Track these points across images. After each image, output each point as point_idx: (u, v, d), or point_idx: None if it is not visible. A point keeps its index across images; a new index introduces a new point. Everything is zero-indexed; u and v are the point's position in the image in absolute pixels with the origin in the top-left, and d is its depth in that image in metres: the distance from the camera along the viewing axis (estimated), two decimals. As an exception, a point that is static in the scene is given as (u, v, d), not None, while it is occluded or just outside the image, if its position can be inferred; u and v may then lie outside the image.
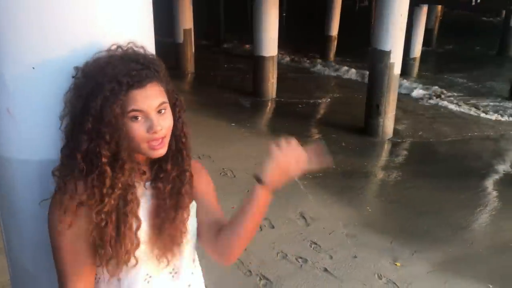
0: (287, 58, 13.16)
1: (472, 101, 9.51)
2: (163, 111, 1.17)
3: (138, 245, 1.20)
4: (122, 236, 1.17)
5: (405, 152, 6.78)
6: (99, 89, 1.10)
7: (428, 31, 13.13)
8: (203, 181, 1.38)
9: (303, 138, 6.87)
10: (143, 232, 1.22)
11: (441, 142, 7.21)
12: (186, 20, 11.16)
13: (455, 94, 10.17)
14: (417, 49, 11.52)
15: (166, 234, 1.24)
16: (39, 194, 1.26)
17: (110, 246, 1.16)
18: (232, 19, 16.31)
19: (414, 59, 11.59)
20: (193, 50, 11.60)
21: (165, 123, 1.17)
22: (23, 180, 1.30)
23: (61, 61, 1.19)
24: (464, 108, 9.07)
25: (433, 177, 5.67)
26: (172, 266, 1.29)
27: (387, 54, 6.80)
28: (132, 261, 1.20)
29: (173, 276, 1.30)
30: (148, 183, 1.27)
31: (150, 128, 1.14)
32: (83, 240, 1.16)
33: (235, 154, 5.94)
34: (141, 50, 1.20)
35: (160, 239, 1.24)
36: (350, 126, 7.44)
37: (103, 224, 1.15)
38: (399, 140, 7.10)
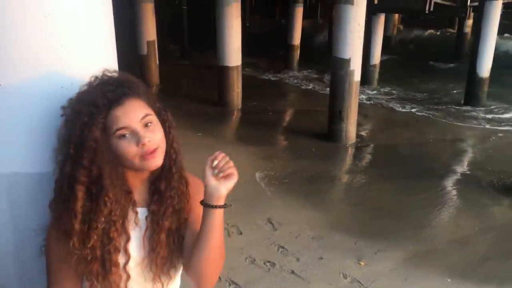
0: (251, 68, 13.34)
1: (431, 106, 9.92)
2: (149, 124, 1.18)
3: (128, 278, 1.21)
4: (108, 273, 1.17)
5: (368, 156, 7.00)
6: (78, 116, 1.13)
7: (387, 39, 13.60)
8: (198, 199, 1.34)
9: (270, 146, 7.00)
10: (135, 258, 1.23)
11: (402, 145, 7.49)
12: (149, 31, 11.15)
13: (415, 98, 10.59)
14: (376, 56, 11.91)
15: (161, 257, 1.24)
16: (8, 207, 1.30)
17: (98, 282, 1.17)
18: (196, 30, 16.38)
19: (374, 66, 11.97)
20: (157, 62, 11.59)
21: (153, 135, 1.17)
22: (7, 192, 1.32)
23: (23, 84, 1.23)
24: (423, 112, 9.45)
25: (394, 179, 5.88)
26: None
27: (347, 61, 7.02)
28: None
29: None
30: (145, 209, 1.26)
31: (139, 141, 1.14)
32: (70, 266, 1.16)
33: (202, 162, 5.98)
34: (115, 74, 1.24)
35: (155, 263, 1.24)
36: (314, 132, 7.63)
37: (88, 258, 1.15)
38: (361, 145, 7.33)
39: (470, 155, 7.22)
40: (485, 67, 9.79)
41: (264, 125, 8.14)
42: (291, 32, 14.03)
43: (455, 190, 5.63)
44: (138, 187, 1.26)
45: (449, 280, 3.70)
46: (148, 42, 11.21)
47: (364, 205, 5.14)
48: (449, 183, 5.89)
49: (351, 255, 3.98)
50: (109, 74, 1.22)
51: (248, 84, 9.97)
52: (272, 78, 12.62)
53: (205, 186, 1.20)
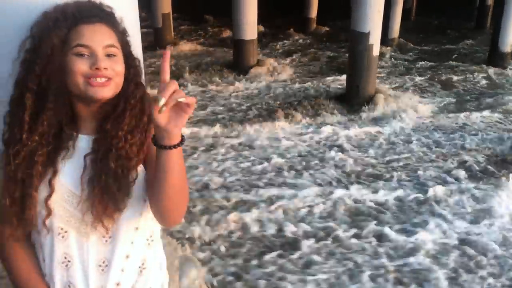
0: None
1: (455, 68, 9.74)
2: (112, 56, 1.11)
3: (50, 213, 1.14)
4: (24, 200, 1.11)
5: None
6: (44, 21, 1.09)
7: (406, 11, 13.29)
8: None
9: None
10: (71, 195, 1.16)
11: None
12: (164, 4, 11.02)
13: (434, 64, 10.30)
14: (395, 30, 11.66)
15: (99, 200, 1.13)
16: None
17: (11, 207, 1.11)
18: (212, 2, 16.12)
19: (392, 39, 11.73)
20: (173, 35, 11.50)
21: (113, 65, 1.10)
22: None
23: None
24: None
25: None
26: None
27: (365, 35, 6.89)
28: (42, 230, 1.16)
29: (106, 241, 1.20)
30: (87, 138, 1.18)
31: (93, 64, 1.07)
32: None
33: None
34: (97, 1, 1.17)
35: (94, 206, 1.13)
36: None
37: (9, 176, 1.10)
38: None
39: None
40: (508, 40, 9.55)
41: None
42: (307, 4, 13.76)
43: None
44: (85, 118, 1.18)
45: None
46: (164, 15, 11.10)
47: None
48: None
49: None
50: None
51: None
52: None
53: (154, 126, 1.05)
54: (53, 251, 1.19)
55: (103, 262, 1.21)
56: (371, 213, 4.26)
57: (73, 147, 1.17)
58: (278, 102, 7.51)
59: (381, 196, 4.54)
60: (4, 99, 1.16)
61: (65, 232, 1.17)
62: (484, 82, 8.97)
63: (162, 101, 0.98)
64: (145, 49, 10.61)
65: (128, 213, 1.18)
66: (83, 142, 1.18)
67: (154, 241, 1.31)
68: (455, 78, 9.16)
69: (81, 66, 1.08)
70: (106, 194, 1.12)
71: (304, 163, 5.27)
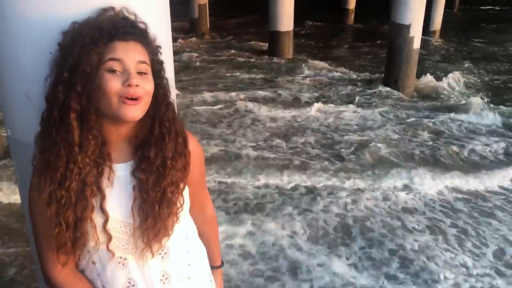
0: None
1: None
2: (143, 74, 1.09)
3: (110, 239, 1.14)
4: (79, 228, 1.09)
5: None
6: (79, 37, 1.05)
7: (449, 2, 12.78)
8: (197, 171, 1.30)
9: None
10: (122, 224, 1.16)
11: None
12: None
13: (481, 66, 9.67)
14: (437, 22, 11.23)
15: (152, 228, 1.15)
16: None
17: (67, 231, 1.08)
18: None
19: (434, 32, 11.31)
20: (208, 26, 11.50)
21: (144, 84, 1.08)
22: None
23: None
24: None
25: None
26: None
27: (406, 28, 6.63)
28: (105, 256, 1.16)
29: (163, 257, 1.24)
30: (129, 170, 1.17)
31: (126, 80, 1.05)
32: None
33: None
34: (132, 16, 1.15)
35: (146, 234, 1.15)
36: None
37: (63, 201, 1.07)
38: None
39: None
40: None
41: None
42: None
43: None
44: (116, 144, 1.15)
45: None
46: (200, 6, 11.10)
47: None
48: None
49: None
50: (126, 14, 1.13)
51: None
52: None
53: None
54: (115, 278, 1.19)
55: (163, 276, 1.24)
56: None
57: (110, 174, 1.14)
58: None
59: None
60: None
61: (124, 259, 1.19)
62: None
63: None
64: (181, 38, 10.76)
65: (179, 227, 1.24)
66: (121, 171, 1.16)
67: (197, 241, 1.39)
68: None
69: (114, 83, 1.05)
70: (159, 223, 1.15)
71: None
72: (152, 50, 1.15)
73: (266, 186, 4.47)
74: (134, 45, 1.08)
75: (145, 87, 1.08)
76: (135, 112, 1.07)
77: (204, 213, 1.43)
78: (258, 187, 4.44)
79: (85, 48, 1.03)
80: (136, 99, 1.06)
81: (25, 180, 1.39)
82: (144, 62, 1.09)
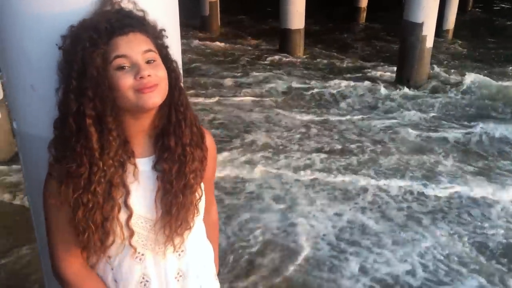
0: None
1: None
2: (152, 61, 1.08)
3: (132, 234, 1.14)
4: (106, 228, 1.10)
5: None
6: (78, 42, 1.04)
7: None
8: (211, 167, 1.30)
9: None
10: (143, 220, 1.16)
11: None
12: (212, -8, 11.00)
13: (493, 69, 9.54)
14: (450, 20, 11.08)
15: (175, 219, 1.16)
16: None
17: (95, 232, 1.09)
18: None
19: (447, 31, 11.16)
20: (219, 24, 11.47)
21: (155, 71, 1.06)
22: (47, 157, 1.28)
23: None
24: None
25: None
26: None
27: (419, 26, 6.56)
28: (127, 252, 1.17)
29: (179, 255, 1.25)
30: (151, 164, 1.17)
31: (137, 74, 1.04)
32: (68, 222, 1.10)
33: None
34: (130, 6, 1.13)
35: (169, 225, 1.16)
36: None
37: (90, 205, 1.07)
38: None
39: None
40: None
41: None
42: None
43: None
44: (138, 139, 1.15)
45: None
46: (211, 3, 11.08)
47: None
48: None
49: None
50: (122, 5, 1.12)
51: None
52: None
53: None
54: (130, 273, 1.19)
55: (178, 274, 1.25)
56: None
57: (135, 170, 1.15)
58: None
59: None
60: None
61: (142, 255, 1.19)
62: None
63: None
64: (192, 36, 10.81)
65: (197, 224, 1.27)
66: (144, 165, 1.16)
67: (207, 241, 1.40)
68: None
69: (126, 80, 1.04)
70: (182, 213, 1.16)
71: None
72: (155, 35, 1.13)
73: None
74: (134, 36, 1.07)
75: (158, 74, 1.07)
76: (155, 98, 1.06)
77: (209, 215, 1.41)
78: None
79: (87, 52, 1.03)
80: (151, 86, 1.06)
81: (30, 172, 1.38)
82: (150, 50, 1.08)
